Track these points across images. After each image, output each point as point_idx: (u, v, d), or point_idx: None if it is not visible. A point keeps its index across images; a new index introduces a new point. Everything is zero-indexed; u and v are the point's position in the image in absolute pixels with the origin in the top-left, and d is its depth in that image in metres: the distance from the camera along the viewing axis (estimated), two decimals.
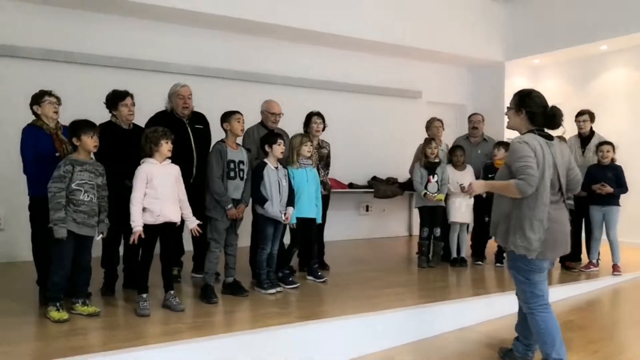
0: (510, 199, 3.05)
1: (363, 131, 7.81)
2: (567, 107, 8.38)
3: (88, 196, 3.59)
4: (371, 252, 6.84)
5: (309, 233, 4.78)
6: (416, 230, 8.44)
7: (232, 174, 4.17)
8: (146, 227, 3.64)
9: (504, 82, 8.49)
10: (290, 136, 4.77)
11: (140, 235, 3.61)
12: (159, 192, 3.68)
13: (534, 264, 3.02)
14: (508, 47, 8.39)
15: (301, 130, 5.04)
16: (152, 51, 6.27)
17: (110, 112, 4.24)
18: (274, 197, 4.31)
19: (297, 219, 4.56)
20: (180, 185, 3.87)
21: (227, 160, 4.14)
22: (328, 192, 5.27)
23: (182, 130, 4.53)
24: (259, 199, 4.32)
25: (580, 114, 5.81)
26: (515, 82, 8.60)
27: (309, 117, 5.14)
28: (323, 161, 5.18)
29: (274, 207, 4.30)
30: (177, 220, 3.81)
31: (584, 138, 5.83)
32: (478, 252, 5.95)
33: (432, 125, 6.00)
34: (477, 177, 5.74)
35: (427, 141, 5.65)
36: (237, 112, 4.26)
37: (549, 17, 7.79)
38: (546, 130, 3.13)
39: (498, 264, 5.76)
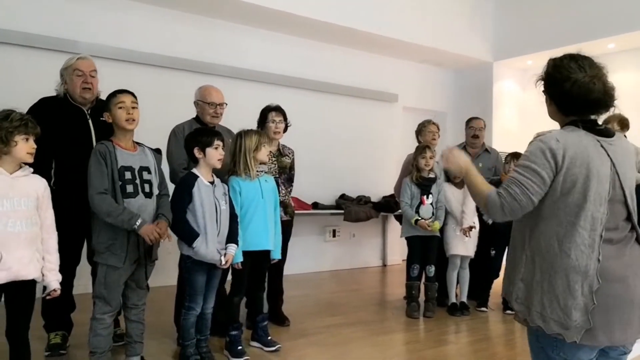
0: (526, 236, 1.77)
1: (328, 139, 6.34)
2: None
3: None
4: (342, 292, 5.35)
5: (259, 274, 3.30)
6: (392, 259, 7.14)
7: (129, 188, 2.57)
8: None
9: (492, 87, 7.25)
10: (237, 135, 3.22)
11: None
12: (2, 225, 2.11)
13: (573, 353, 1.67)
14: (497, 46, 7.17)
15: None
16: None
17: None
18: (209, 229, 2.80)
19: (245, 254, 3.06)
20: (46, 211, 2.32)
21: (119, 167, 2.56)
22: (291, 216, 3.78)
23: (79, 124, 3.07)
24: (186, 233, 2.80)
25: (606, 121, 4.56)
26: (505, 86, 7.43)
27: (265, 113, 3.66)
28: (285, 174, 3.70)
29: (209, 245, 2.79)
30: (34, 275, 2.24)
31: None
32: (481, 294, 4.60)
33: (426, 130, 4.59)
34: None
35: (421, 149, 4.28)
36: (124, 91, 2.65)
37: (545, 12, 6.65)
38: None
39: (508, 311, 4.45)
